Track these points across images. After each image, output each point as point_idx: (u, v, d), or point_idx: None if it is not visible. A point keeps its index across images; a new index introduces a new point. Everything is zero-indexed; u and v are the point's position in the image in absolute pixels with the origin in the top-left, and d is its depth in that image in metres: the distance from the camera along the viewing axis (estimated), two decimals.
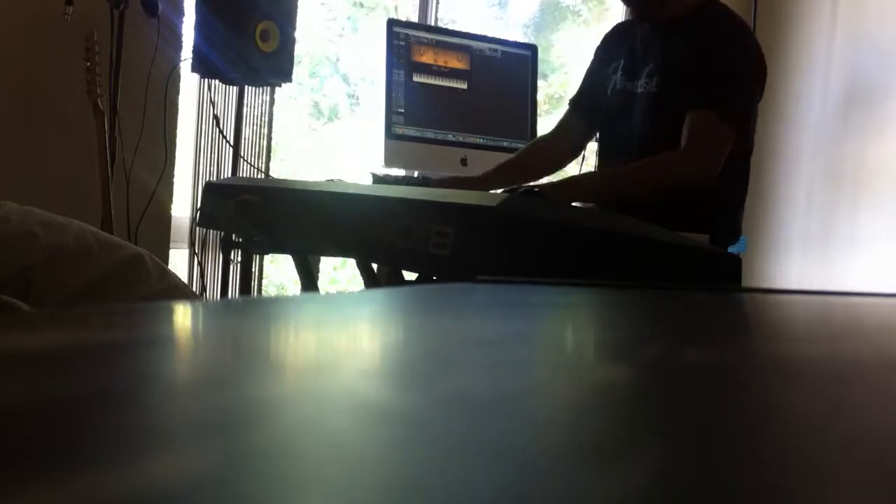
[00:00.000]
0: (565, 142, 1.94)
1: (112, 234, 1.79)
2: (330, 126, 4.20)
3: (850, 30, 3.54)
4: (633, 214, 1.23)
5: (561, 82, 4.02)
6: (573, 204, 1.57)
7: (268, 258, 2.73)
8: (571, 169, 2.09)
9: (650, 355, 0.31)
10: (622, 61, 1.78)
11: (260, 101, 2.65)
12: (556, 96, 3.94)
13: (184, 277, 2.18)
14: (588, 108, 1.88)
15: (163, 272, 1.32)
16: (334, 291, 2.88)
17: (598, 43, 1.93)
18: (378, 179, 1.94)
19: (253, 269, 2.27)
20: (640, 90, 1.72)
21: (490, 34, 2.44)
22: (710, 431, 0.19)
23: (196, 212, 2.28)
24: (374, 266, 1.67)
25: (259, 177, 2.54)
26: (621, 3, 1.88)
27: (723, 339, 0.42)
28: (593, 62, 1.91)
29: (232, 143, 2.45)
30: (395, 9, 3.75)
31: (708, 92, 1.60)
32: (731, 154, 1.63)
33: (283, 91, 2.73)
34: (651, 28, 1.75)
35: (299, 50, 2.40)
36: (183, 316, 0.39)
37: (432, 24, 3.21)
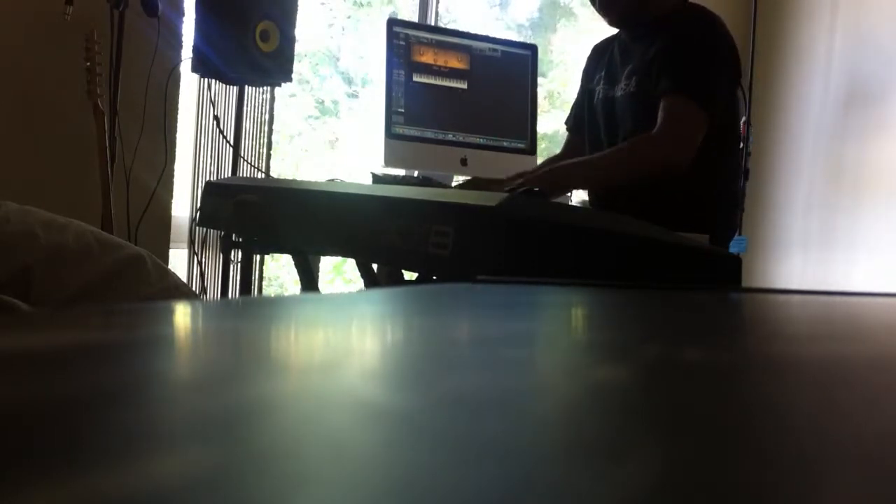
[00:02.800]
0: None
1: (112, 234, 1.79)
2: (330, 125, 4.20)
3: (850, 30, 3.54)
4: (633, 214, 1.23)
5: (562, 80, 4.02)
6: (572, 203, 1.58)
7: (268, 258, 2.73)
8: None
9: (650, 355, 0.31)
10: (603, 72, 1.86)
11: (260, 101, 2.65)
12: (556, 94, 3.93)
13: (184, 277, 2.18)
14: (580, 126, 1.94)
15: (163, 272, 1.32)
16: (333, 291, 2.88)
17: (587, 55, 2.01)
18: (378, 179, 1.94)
19: (253, 269, 2.27)
20: (619, 93, 1.79)
21: (490, 34, 2.44)
22: (709, 431, 0.19)
23: (196, 211, 2.28)
24: (374, 266, 1.67)
25: (259, 177, 2.54)
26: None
27: (723, 339, 0.42)
28: (581, 82, 1.99)
29: (232, 142, 2.45)
30: (394, 7, 3.75)
31: (677, 77, 1.65)
32: (714, 146, 1.64)
33: (283, 90, 2.73)
34: (628, 35, 1.82)
35: (299, 49, 2.40)
36: (183, 316, 0.39)
37: (432, 23, 3.21)
